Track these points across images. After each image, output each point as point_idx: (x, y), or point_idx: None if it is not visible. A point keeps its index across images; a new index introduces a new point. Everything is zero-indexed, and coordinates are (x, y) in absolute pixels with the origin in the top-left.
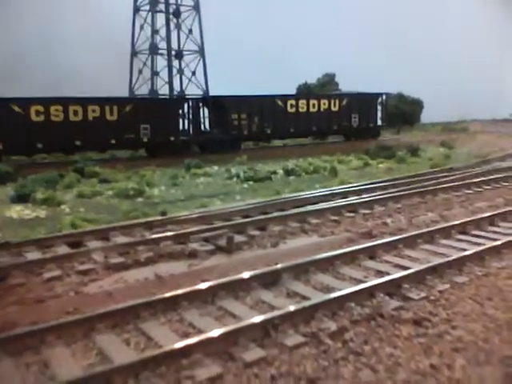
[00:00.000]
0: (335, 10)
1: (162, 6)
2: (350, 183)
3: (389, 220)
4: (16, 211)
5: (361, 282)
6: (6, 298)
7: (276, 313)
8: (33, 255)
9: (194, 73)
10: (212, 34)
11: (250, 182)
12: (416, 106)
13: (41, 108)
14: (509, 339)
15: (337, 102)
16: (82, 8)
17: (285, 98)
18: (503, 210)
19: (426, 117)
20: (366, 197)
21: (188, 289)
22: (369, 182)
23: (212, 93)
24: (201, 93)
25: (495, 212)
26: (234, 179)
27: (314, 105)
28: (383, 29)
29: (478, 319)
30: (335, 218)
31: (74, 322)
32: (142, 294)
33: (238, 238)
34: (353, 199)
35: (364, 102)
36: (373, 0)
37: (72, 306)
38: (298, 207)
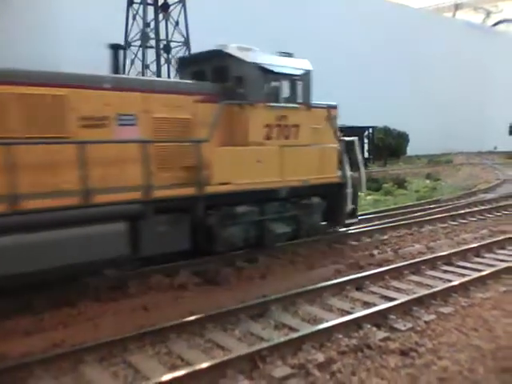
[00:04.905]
0: (322, 47)
1: (152, 42)
2: None
3: (376, 251)
4: None
5: (348, 313)
6: None
7: (264, 344)
8: None
9: None
10: None
11: None
12: (401, 139)
13: None
14: (494, 369)
15: None
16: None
17: None
18: (488, 241)
19: (411, 149)
20: (352, 229)
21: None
22: None
23: None
24: None
25: (480, 243)
26: None
27: None
28: (369, 64)
29: (463, 349)
30: (324, 249)
31: (61, 355)
32: (130, 326)
33: (227, 270)
34: (340, 231)
35: (350, 135)
36: (359, 36)
37: (60, 339)
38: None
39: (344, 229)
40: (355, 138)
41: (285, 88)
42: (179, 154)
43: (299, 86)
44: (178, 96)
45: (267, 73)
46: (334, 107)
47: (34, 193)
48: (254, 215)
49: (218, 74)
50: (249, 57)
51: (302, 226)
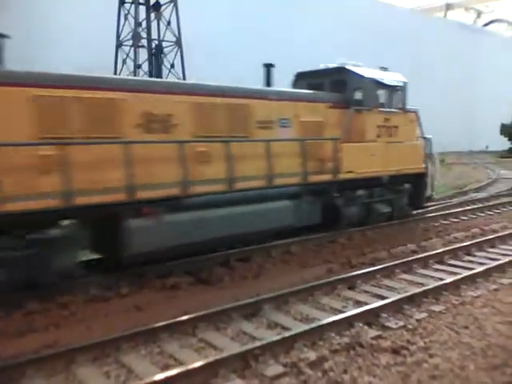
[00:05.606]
0: (310, 49)
1: (144, 42)
2: None
3: (368, 250)
4: None
5: (340, 311)
6: None
7: (256, 343)
8: None
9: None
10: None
11: None
12: None
13: None
14: (484, 366)
15: None
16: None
17: None
18: (479, 239)
19: None
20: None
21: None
22: None
23: None
24: None
25: (471, 242)
26: None
27: None
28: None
29: (454, 347)
30: (316, 248)
31: (54, 355)
32: (122, 326)
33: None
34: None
35: None
36: (348, 35)
37: (52, 340)
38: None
39: (422, 210)
40: (431, 137)
41: (390, 96)
42: (316, 149)
43: (399, 94)
44: (316, 103)
45: (380, 85)
46: (417, 111)
47: (239, 177)
48: (366, 198)
49: (336, 86)
50: (366, 73)
51: (394, 208)
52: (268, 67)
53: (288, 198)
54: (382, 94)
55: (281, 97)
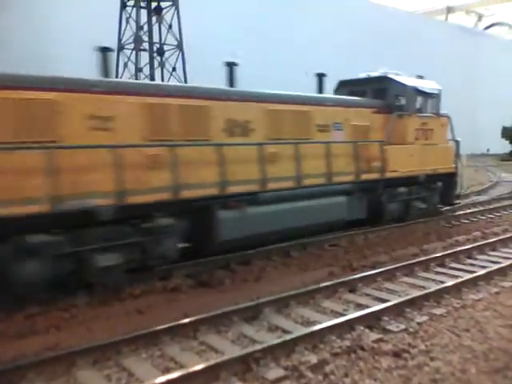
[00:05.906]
0: (311, 50)
1: (145, 45)
2: None
3: (369, 253)
4: None
5: (341, 314)
6: None
7: (257, 346)
8: None
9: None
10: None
11: None
12: None
13: None
14: (486, 370)
15: None
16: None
17: None
18: (480, 242)
19: None
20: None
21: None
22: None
23: None
24: None
25: (473, 245)
26: None
27: None
28: (360, 66)
29: (455, 350)
30: (317, 251)
31: (54, 358)
32: (123, 329)
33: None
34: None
35: None
36: (348, 35)
37: (53, 342)
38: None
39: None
40: (460, 139)
41: (426, 102)
42: (363, 150)
43: (434, 100)
44: (363, 109)
45: (419, 92)
46: (449, 116)
47: (305, 174)
48: (405, 195)
49: (378, 93)
50: (407, 81)
51: (428, 205)
52: (320, 76)
53: (342, 194)
54: (420, 100)
55: (335, 103)
